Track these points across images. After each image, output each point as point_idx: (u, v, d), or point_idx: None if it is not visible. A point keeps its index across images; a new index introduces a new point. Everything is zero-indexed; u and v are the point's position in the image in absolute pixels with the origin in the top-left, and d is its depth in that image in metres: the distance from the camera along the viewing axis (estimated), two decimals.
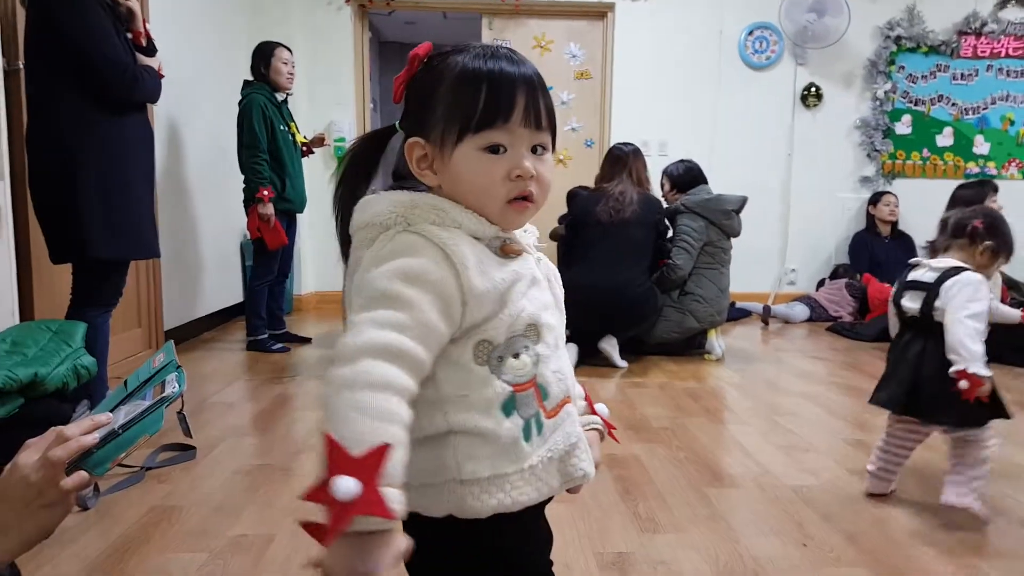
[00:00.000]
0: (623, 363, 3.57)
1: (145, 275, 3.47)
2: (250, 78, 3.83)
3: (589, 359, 3.52)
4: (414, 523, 0.74)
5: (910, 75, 5.49)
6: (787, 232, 5.60)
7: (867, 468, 2.04)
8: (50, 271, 2.57)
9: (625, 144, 3.86)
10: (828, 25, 5.18)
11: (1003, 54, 5.47)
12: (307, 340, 4.08)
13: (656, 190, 3.94)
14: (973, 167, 5.57)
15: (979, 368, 1.72)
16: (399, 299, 0.70)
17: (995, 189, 4.38)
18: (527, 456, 0.77)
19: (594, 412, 0.93)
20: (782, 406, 2.96)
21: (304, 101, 5.09)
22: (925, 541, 1.74)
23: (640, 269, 3.58)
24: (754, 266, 5.37)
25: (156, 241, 2.59)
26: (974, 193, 3.92)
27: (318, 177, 5.04)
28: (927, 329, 1.88)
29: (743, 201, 3.90)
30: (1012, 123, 5.54)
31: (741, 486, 2.08)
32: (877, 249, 5.30)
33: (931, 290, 1.88)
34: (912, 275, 1.98)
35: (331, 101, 5.29)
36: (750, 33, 5.42)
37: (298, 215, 4.05)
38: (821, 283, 5.46)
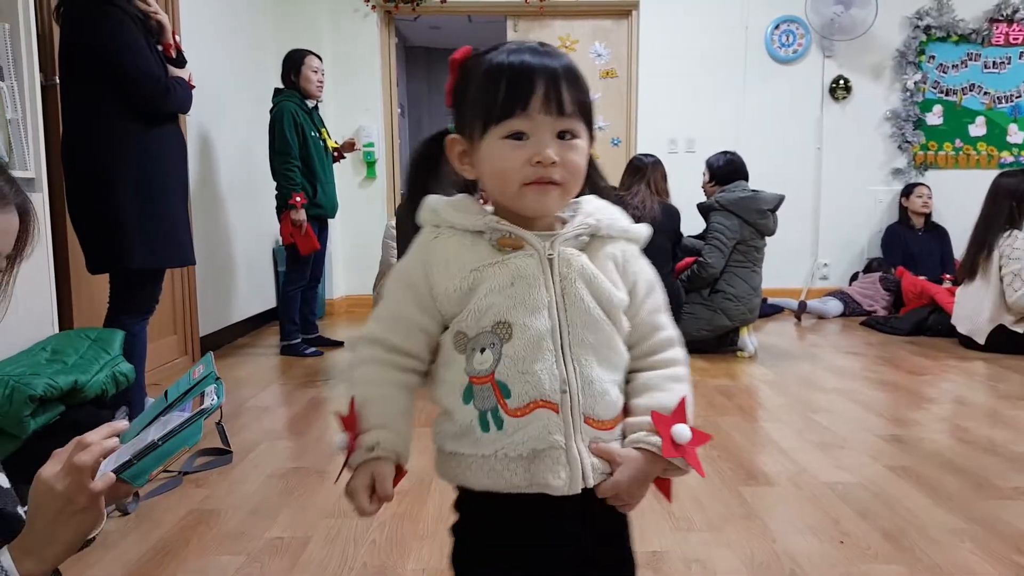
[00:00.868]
0: None
1: (180, 282, 3.53)
2: (280, 86, 3.89)
3: None
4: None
5: (940, 65, 5.39)
6: (818, 226, 5.52)
7: None
8: (88, 280, 2.63)
9: (646, 155, 3.89)
10: (855, 17, 5.11)
11: None
12: (339, 344, 4.12)
13: (672, 199, 3.91)
14: (1007, 156, 5.44)
15: None
16: (386, 295, 0.88)
17: None
18: (483, 445, 0.81)
19: (661, 432, 0.83)
20: (817, 403, 2.92)
21: (332, 107, 5.14)
22: (965, 538, 1.71)
23: (664, 273, 3.57)
24: (786, 261, 5.30)
25: (191, 249, 2.64)
26: (1017, 182, 3.84)
27: (349, 182, 5.10)
28: None
29: (779, 200, 3.85)
30: None
31: (776, 484, 2.06)
32: (911, 242, 5.21)
33: None
34: None
35: (359, 107, 5.35)
36: (776, 27, 5.36)
37: (329, 220, 4.10)
38: (855, 277, 5.38)
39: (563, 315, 0.82)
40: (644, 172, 3.74)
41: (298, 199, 3.68)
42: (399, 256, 3.68)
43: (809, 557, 1.63)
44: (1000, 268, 3.75)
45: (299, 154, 3.74)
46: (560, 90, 0.79)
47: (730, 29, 5.35)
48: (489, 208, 0.86)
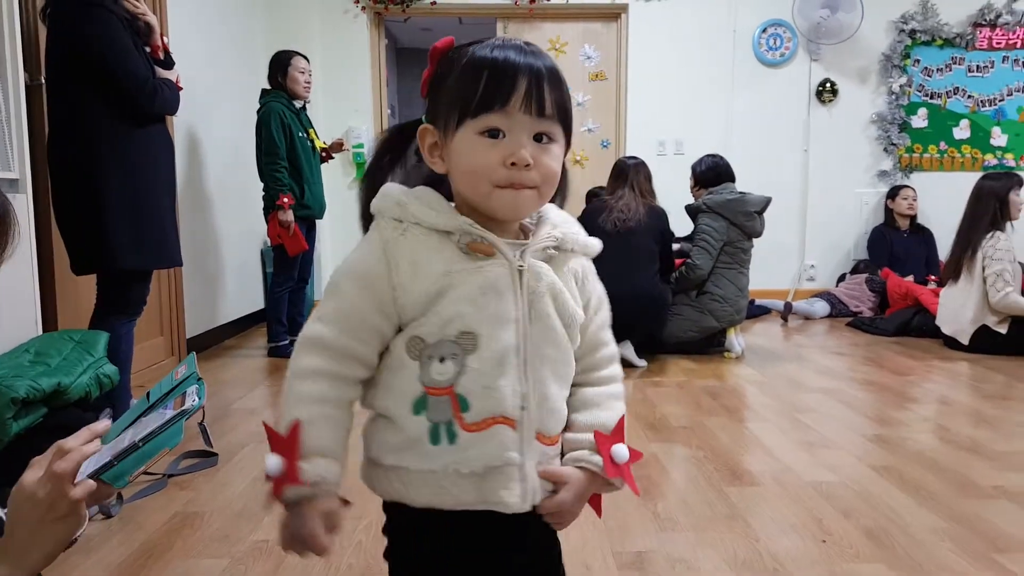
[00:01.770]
0: (642, 362, 3.56)
1: (167, 284, 3.51)
2: (268, 87, 3.88)
3: None
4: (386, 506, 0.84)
5: (925, 68, 5.44)
6: (805, 228, 5.56)
7: None
8: (73, 281, 2.61)
9: (630, 158, 3.89)
10: (842, 21, 5.15)
11: (1019, 45, 5.42)
12: None
13: (661, 200, 3.92)
14: (991, 159, 5.50)
15: None
16: (336, 292, 0.79)
17: (1020, 183, 4.32)
18: (431, 459, 0.77)
19: (602, 452, 0.83)
20: (802, 403, 2.94)
21: (322, 108, 5.14)
22: (945, 537, 1.72)
23: (650, 274, 3.60)
24: (773, 263, 5.34)
25: (178, 250, 2.63)
26: (1000, 184, 3.88)
27: (337, 183, 5.08)
28: None
29: (766, 202, 3.87)
30: None
31: (760, 484, 2.08)
32: (896, 243, 5.26)
33: None
34: None
35: (349, 108, 5.34)
36: (764, 31, 5.40)
37: (318, 221, 4.09)
38: (842, 278, 5.42)
39: (528, 329, 0.78)
40: (627, 175, 3.74)
41: (285, 200, 3.67)
42: None
43: (792, 556, 1.64)
44: (984, 269, 3.79)
45: (286, 155, 3.73)
46: (542, 90, 0.76)
47: (718, 32, 5.39)
48: (451, 204, 0.82)
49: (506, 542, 0.83)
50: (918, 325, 4.33)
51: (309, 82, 3.91)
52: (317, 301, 5.22)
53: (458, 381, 0.76)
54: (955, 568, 1.58)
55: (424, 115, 0.84)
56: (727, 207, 3.84)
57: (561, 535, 0.92)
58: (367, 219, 0.83)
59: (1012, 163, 5.47)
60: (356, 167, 5.38)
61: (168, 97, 2.44)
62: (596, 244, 0.89)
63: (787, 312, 4.97)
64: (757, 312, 5.06)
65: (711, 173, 4.02)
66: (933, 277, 4.89)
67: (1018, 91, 5.45)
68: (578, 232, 0.87)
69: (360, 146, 5.32)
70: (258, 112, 3.79)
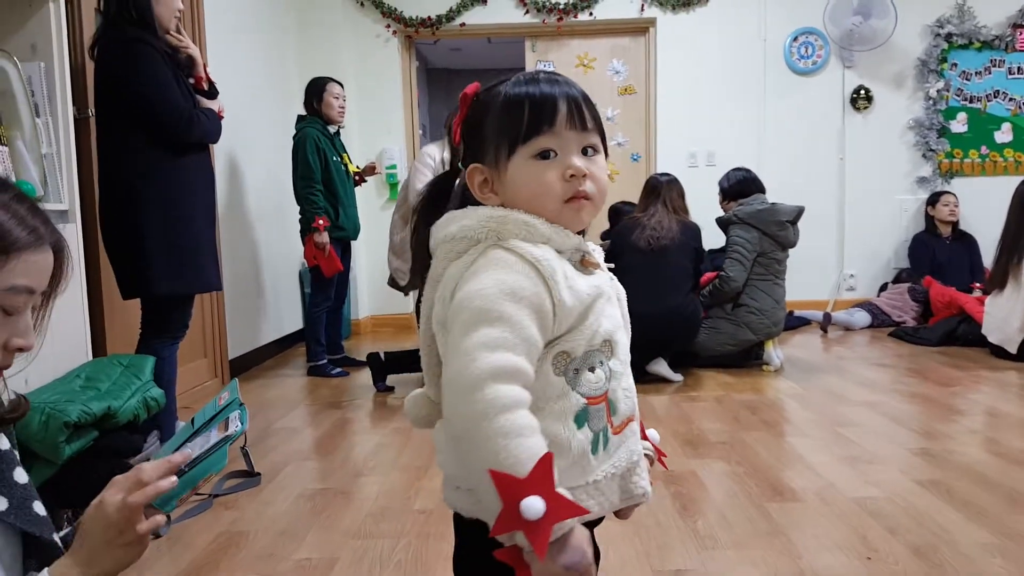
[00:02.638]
0: (678, 377, 3.54)
1: (210, 306, 3.59)
2: (303, 113, 3.97)
3: (638, 377, 3.50)
4: (466, 526, 0.81)
5: (963, 72, 5.34)
6: (843, 238, 5.48)
7: None
8: (122, 307, 2.69)
9: (662, 174, 3.88)
10: (875, 27, 5.09)
11: None
12: (365, 364, 4.15)
13: (693, 213, 3.90)
14: None
15: None
16: (502, 317, 0.73)
17: None
18: (593, 470, 0.79)
19: (645, 438, 0.93)
20: (845, 416, 2.89)
21: (355, 131, 5.23)
22: (996, 553, 1.68)
23: (684, 292, 3.56)
24: (811, 273, 5.27)
25: (217, 275, 2.69)
26: None
27: (371, 205, 5.16)
28: None
29: (799, 211, 3.83)
30: None
31: (803, 500, 2.05)
32: (938, 251, 5.14)
33: None
34: None
35: (382, 130, 5.43)
36: (795, 39, 5.36)
37: (352, 242, 4.16)
38: (883, 288, 5.32)
39: (626, 332, 0.88)
40: (659, 191, 3.72)
41: (321, 222, 3.74)
42: (411, 279, 3.52)
43: (836, 574, 1.61)
44: None
45: (321, 178, 3.81)
46: (581, 107, 0.82)
47: (748, 42, 5.36)
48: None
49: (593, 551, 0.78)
50: (963, 334, 4.23)
51: (343, 107, 4.00)
52: (354, 321, 5.29)
53: (609, 387, 0.81)
54: None
55: (461, 162, 0.88)
56: (758, 217, 3.80)
57: (601, 552, 0.93)
58: (425, 259, 0.84)
59: None
60: (389, 188, 5.45)
61: (207, 126, 2.51)
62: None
63: (827, 323, 4.90)
64: (796, 323, 4.99)
65: (739, 186, 4.00)
66: (978, 285, 4.77)
67: None
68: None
69: (393, 167, 5.39)
70: (294, 138, 3.88)
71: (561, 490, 0.67)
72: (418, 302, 0.89)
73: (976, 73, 5.35)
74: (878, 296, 5.22)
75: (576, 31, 5.47)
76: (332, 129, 3.97)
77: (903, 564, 1.65)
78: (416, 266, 0.88)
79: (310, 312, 4.00)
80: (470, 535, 0.81)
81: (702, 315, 3.72)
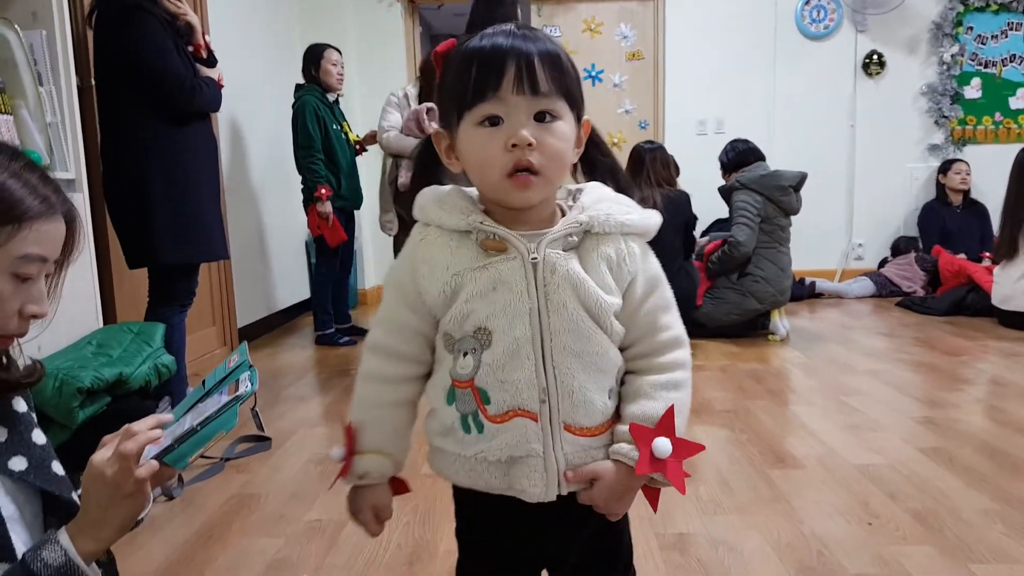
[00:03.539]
0: None
1: (217, 275, 3.61)
2: (302, 81, 3.94)
3: None
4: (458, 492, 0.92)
5: (979, 36, 5.24)
6: (852, 206, 5.43)
7: None
8: (130, 276, 2.71)
9: (647, 143, 3.80)
10: None
11: None
12: None
13: (702, 182, 3.84)
14: None
15: None
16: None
17: None
18: (465, 446, 0.83)
19: (640, 446, 0.80)
20: (849, 385, 2.90)
21: (358, 98, 5.19)
22: (996, 519, 1.70)
23: (674, 270, 3.53)
24: (820, 242, 5.24)
25: (223, 243, 2.70)
26: None
27: (373, 175, 5.14)
28: None
29: (801, 177, 3.79)
30: None
31: (805, 467, 2.07)
32: (948, 219, 5.10)
33: None
34: None
35: (385, 96, 5.36)
36: (807, 2, 5.26)
37: (356, 212, 4.15)
38: (883, 262, 5.29)
39: (545, 322, 0.78)
40: (643, 164, 3.64)
41: (323, 191, 3.73)
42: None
43: (837, 539, 1.63)
44: None
45: (322, 147, 3.79)
46: (533, 69, 0.75)
47: (759, 6, 5.27)
48: (475, 193, 0.84)
49: (552, 522, 0.87)
50: (972, 304, 4.22)
51: (342, 74, 3.96)
52: (361, 290, 5.31)
53: (477, 375, 0.80)
54: (1006, 551, 1.56)
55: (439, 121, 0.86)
56: (761, 182, 3.77)
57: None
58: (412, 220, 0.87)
59: None
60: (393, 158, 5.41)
61: (208, 95, 2.50)
62: (641, 222, 0.84)
63: (810, 292, 4.96)
64: (805, 294, 4.97)
65: (739, 157, 3.98)
66: (987, 254, 4.74)
67: None
68: (613, 212, 0.82)
69: None
70: (293, 106, 3.85)
71: (359, 456, 0.86)
72: None
73: (992, 37, 5.24)
74: (879, 269, 5.19)
75: None
76: (331, 97, 3.94)
77: (904, 530, 1.67)
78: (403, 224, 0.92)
79: (316, 281, 4.02)
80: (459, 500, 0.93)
81: (699, 285, 3.70)
